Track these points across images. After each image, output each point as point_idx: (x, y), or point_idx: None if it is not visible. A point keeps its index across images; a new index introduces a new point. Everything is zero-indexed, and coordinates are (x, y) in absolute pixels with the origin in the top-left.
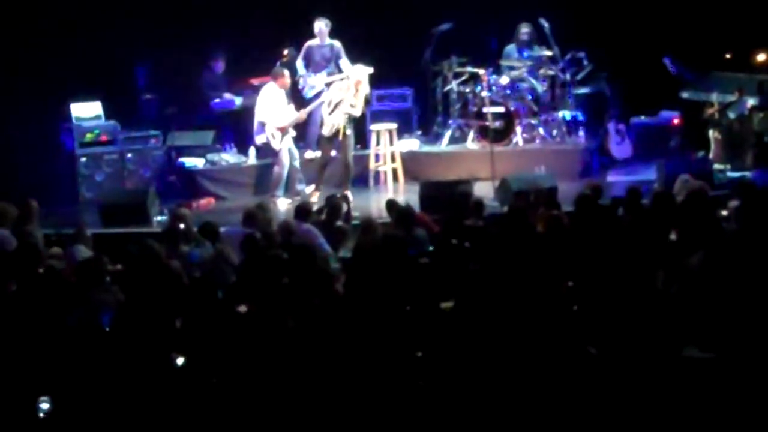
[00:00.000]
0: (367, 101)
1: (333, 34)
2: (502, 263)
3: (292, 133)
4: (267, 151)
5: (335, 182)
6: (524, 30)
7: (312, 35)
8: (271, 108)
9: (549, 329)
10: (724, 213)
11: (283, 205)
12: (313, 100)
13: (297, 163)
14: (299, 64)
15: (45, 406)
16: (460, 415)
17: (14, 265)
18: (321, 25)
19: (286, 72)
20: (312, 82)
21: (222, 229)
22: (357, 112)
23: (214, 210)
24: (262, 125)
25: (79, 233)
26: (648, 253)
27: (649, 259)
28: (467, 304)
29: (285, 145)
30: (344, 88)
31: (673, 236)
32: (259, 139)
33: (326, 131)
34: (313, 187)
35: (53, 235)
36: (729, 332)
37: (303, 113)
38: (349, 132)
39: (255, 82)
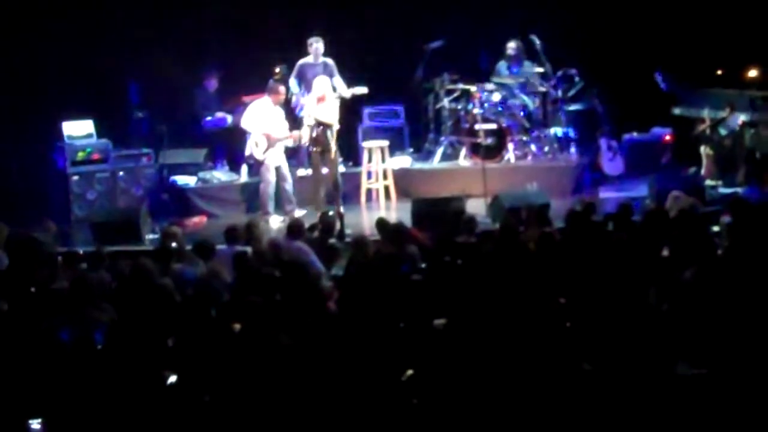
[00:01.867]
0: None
1: (325, 52)
2: (495, 280)
3: (281, 150)
4: (257, 167)
5: (327, 200)
6: (511, 45)
7: (305, 53)
8: (259, 118)
9: (542, 346)
10: (716, 229)
11: (275, 223)
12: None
13: (288, 184)
14: (292, 82)
15: (36, 427)
16: None
17: (6, 283)
18: (318, 44)
19: (282, 88)
20: (304, 101)
21: (218, 247)
22: (327, 120)
23: (207, 228)
24: (248, 135)
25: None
26: (640, 269)
27: (641, 275)
28: (460, 321)
29: (271, 160)
30: (308, 102)
31: (665, 252)
32: (247, 150)
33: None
34: (304, 211)
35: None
36: (721, 348)
37: (296, 134)
38: (334, 148)
39: (247, 99)
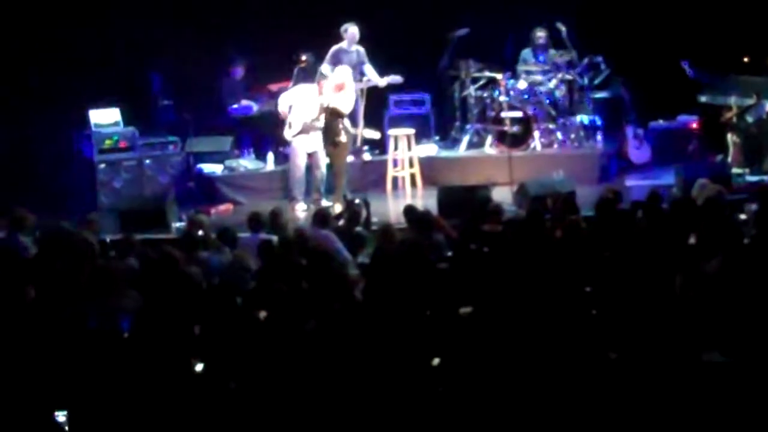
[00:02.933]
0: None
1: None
2: (521, 268)
3: (317, 137)
4: (285, 153)
5: (351, 188)
6: (539, 34)
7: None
8: (295, 101)
9: (568, 334)
10: (743, 217)
11: (300, 210)
12: None
13: (319, 172)
14: (326, 68)
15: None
16: (480, 422)
17: (33, 271)
18: (355, 30)
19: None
20: None
21: (241, 235)
22: (341, 109)
23: (233, 216)
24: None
25: (128, 241)
26: (667, 258)
27: (667, 263)
28: (486, 309)
29: (300, 145)
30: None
31: (692, 240)
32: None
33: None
34: (330, 203)
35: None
36: (748, 336)
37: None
38: (344, 139)
39: (273, 88)
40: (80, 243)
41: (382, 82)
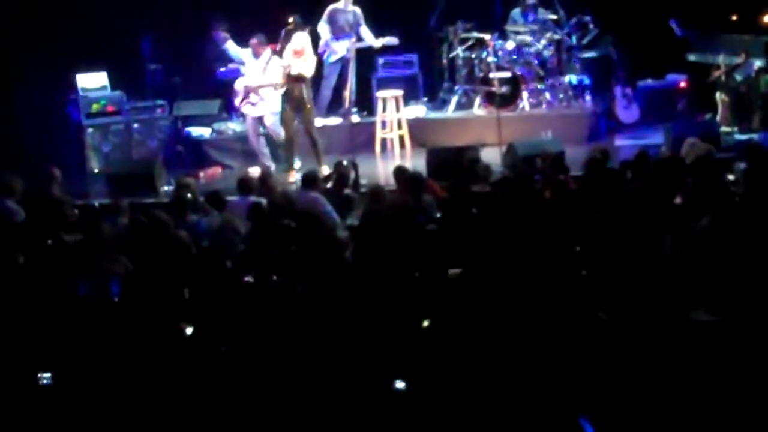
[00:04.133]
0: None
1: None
2: (510, 229)
3: (261, 101)
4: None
5: (339, 150)
6: None
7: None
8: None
9: (557, 294)
10: (731, 178)
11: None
12: (334, 66)
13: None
14: (324, 28)
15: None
16: (469, 383)
17: (22, 236)
18: None
19: (254, 40)
20: (335, 47)
21: (229, 198)
22: (303, 73)
23: (221, 179)
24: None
25: (117, 205)
26: (656, 217)
27: (657, 222)
28: (475, 270)
29: (248, 111)
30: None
31: (678, 200)
32: None
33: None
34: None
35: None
36: (737, 295)
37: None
38: (309, 104)
39: (261, 50)
40: (59, 206)
41: (377, 43)
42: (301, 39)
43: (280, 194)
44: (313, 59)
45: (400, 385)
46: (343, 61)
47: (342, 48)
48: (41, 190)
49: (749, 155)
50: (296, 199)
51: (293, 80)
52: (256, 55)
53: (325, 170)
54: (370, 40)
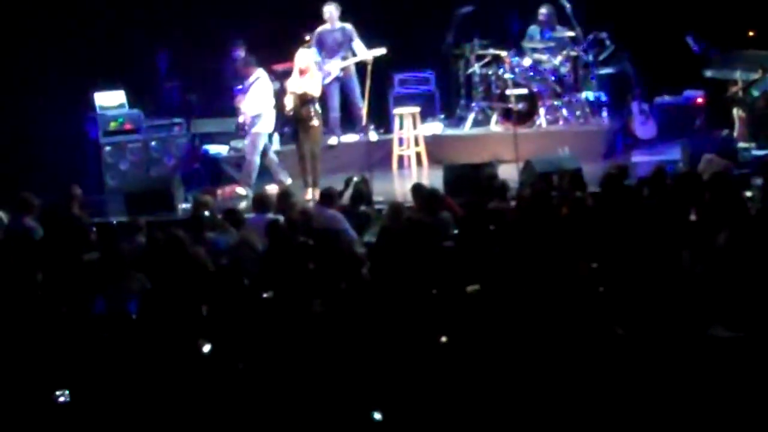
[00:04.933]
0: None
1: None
2: (527, 246)
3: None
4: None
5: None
6: (543, 11)
7: (322, 21)
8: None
9: (575, 311)
10: (749, 194)
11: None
12: (331, 87)
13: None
14: (313, 51)
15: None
16: (487, 399)
17: (41, 253)
18: (331, 9)
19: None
20: (327, 69)
21: (246, 216)
22: (311, 92)
23: (239, 197)
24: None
25: (134, 223)
26: (673, 233)
27: (674, 238)
28: (493, 287)
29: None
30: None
31: (693, 216)
32: None
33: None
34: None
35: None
36: (755, 311)
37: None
38: (316, 123)
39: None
40: (78, 225)
41: (368, 55)
42: (304, 57)
43: (299, 211)
44: (319, 76)
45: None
46: (341, 81)
47: (334, 68)
48: (61, 208)
49: (766, 171)
50: (314, 216)
51: (300, 100)
52: (243, 76)
53: (317, 193)
54: (362, 54)
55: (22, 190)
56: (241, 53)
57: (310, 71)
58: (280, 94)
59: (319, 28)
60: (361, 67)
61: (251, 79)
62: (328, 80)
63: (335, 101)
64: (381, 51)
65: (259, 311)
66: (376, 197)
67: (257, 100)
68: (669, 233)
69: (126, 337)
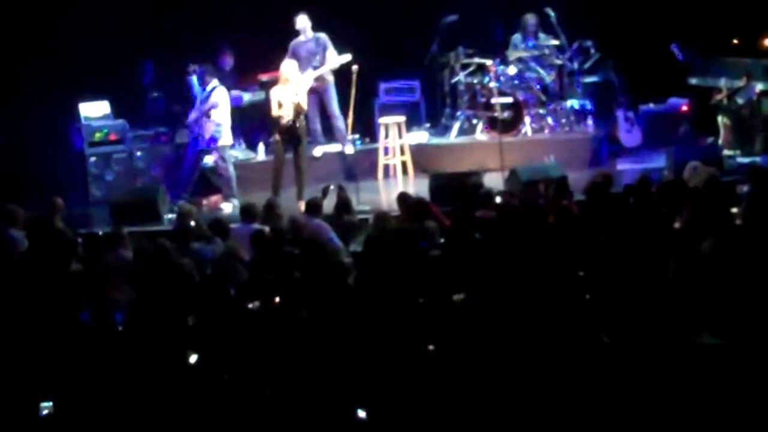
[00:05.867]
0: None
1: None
2: (513, 254)
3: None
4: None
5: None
6: (531, 20)
7: (296, 34)
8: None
9: (561, 319)
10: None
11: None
12: (308, 98)
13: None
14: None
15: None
16: (474, 407)
17: (25, 265)
18: (303, 20)
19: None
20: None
21: (232, 226)
22: (302, 104)
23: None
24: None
25: (118, 234)
26: (659, 241)
27: (660, 246)
28: (479, 295)
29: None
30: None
31: (677, 224)
32: None
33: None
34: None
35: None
36: (741, 318)
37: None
38: (302, 135)
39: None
40: (63, 236)
41: (336, 63)
42: (289, 67)
43: (288, 221)
44: (300, 84)
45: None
46: (318, 92)
47: (307, 79)
48: (44, 219)
49: (752, 178)
50: (300, 226)
51: (296, 111)
52: (202, 85)
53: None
54: (332, 62)
55: (6, 201)
56: (229, 61)
57: (291, 79)
58: (266, 104)
59: (293, 41)
60: (345, 75)
61: (208, 88)
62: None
63: (314, 114)
64: (347, 57)
65: (246, 321)
66: (361, 206)
67: (218, 111)
68: (654, 241)
69: (112, 347)
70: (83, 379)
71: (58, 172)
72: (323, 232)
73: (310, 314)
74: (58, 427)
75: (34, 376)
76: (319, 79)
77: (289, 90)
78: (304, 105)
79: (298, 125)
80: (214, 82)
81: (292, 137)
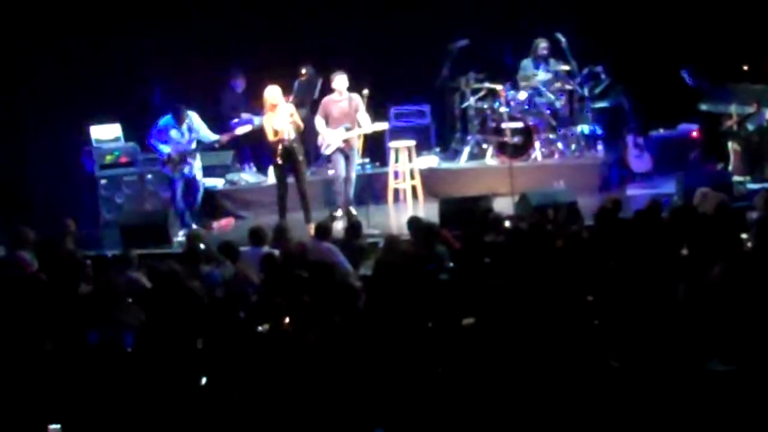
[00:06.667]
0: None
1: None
2: (522, 278)
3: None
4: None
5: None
6: (542, 45)
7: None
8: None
9: (570, 343)
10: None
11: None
12: (335, 156)
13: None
14: (319, 121)
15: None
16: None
17: (36, 287)
18: (343, 78)
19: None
20: (329, 140)
21: (242, 249)
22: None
23: (234, 230)
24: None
25: (128, 256)
26: (669, 266)
27: (670, 272)
28: (488, 320)
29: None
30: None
31: (684, 251)
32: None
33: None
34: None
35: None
36: (751, 344)
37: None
38: (300, 158)
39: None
40: (73, 258)
41: (370, 129)
42: (275, 93)
43: (295, 244)
44: (290, 110)
45: None
46: (345, 152)
47: (336, 138)
48: (55, 242)
49: (762, 204)
50: (310, 249)
51: (298, 133)
52: (178, 124)
53: (311, 227)
54: (366, 126)
55: (17, 223)
56: (241, 83)
57: (278, 105)
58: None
59: (326, 98)
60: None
61: (187, 123)
62: (329, 150)
63: (340, 172)
64: (383, 125)
65: (255, 344)
66: (371, 230)
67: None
68: (664, 267)
69: (121, 370)
70: (92, 401)
71: (69, 194)
72: (333, 256)
73: (318, 337)
74: None
75: (43, 397)
76: (347, 141)
77: (282, 113)
78: (301, 123)
79: (296, 146)
80: (189, 118)
81: (291, 161)
